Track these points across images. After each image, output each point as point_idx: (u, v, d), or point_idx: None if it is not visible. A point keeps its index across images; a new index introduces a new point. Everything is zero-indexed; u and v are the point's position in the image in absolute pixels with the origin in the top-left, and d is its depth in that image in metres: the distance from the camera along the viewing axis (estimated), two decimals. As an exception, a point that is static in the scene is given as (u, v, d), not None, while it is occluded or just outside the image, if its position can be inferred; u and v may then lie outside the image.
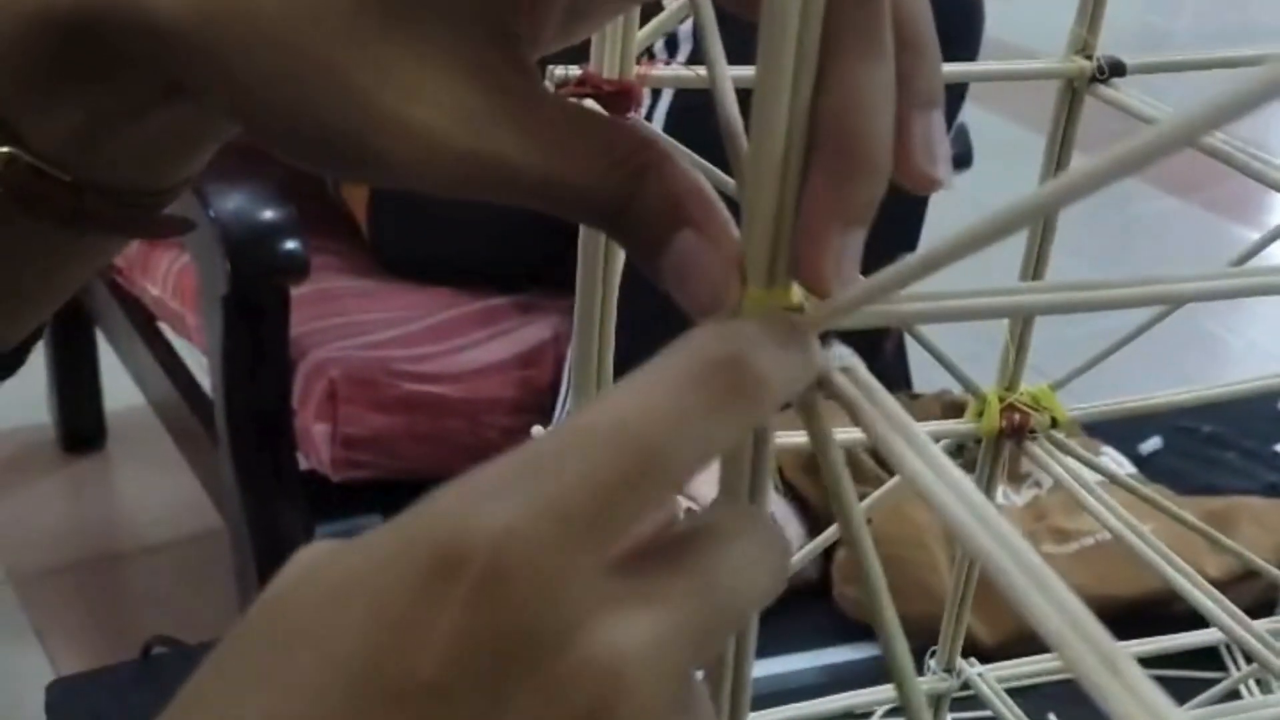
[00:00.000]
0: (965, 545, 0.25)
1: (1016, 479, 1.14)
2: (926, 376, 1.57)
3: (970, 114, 1.71)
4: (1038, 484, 1.15)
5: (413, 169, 0.35)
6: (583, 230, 0.46)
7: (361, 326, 1.60)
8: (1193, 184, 3.13)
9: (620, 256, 0.47)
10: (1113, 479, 0.63)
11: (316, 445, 1.52)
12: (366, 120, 0.34)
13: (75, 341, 2.15)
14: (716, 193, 0.35)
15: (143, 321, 1.86)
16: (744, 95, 0.34)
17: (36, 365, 2.18)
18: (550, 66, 0.43)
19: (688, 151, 0.44)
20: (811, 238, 0.31)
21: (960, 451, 1.03)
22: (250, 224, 1.42)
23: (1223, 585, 1.03)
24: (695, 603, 0.28)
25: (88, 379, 2.20)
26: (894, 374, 1.73)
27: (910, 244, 1.50)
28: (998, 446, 0.55)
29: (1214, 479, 1.25)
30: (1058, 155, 0.56)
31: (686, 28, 1.29)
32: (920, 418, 1.09)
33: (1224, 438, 1.32)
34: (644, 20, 0.45)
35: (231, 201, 1.43)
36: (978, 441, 0.57)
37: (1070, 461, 0.56)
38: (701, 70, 0.41)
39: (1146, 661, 0.84)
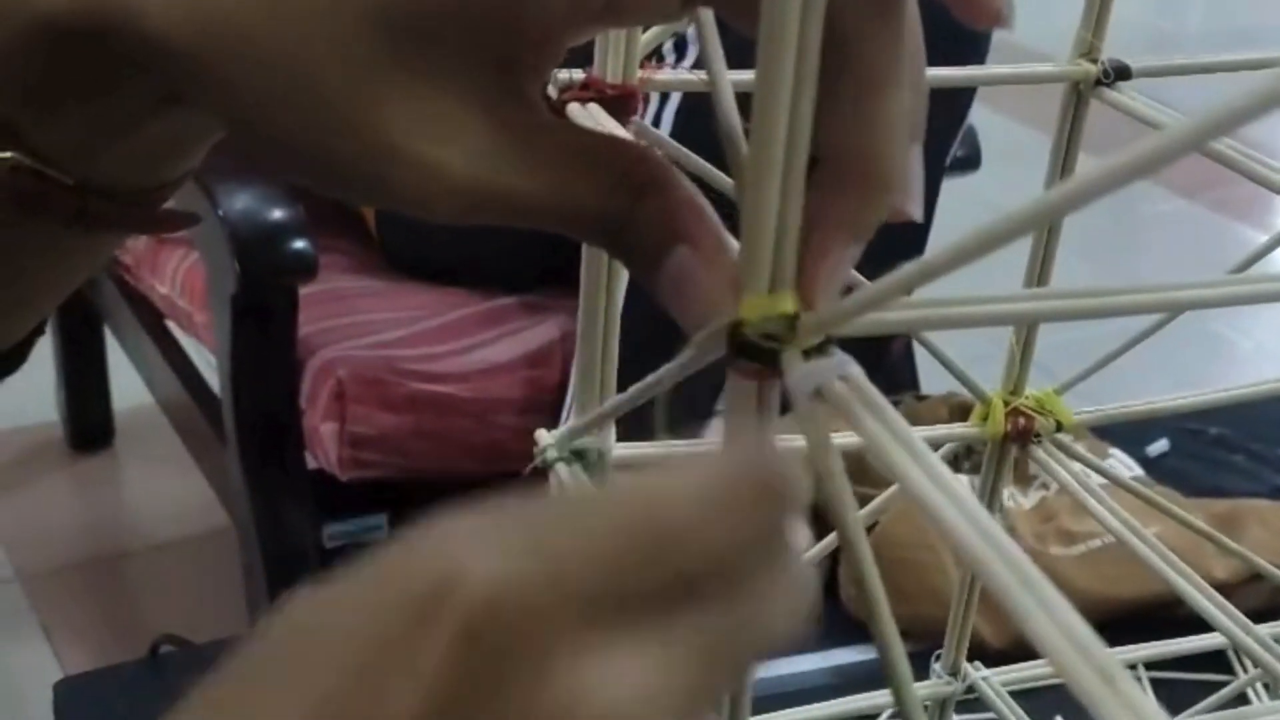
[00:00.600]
0: (962, 554, 0.25)
1: (1024, 480, 1.13)
2: (934, 378, 1.57)
3: (979, 115, 1.71)
4: (1045, 485, 1.15)
5: (415, 199, 0.34)
6: None
7: (369, 326, 1.60)
8: (1199, 185, 3.13)
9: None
10: (1117, 482, 0.63)
11: (324, 444, 1.52)
12: (366, 152, 0.34)
13: (84, 340, 2.16)
14: (708, 190, 0.36)
15: (151, 320, 1.86)
16: (746, 99, 0.34)
17: (45, 363, 2.19)
18: (554, 70, 0.43)
19: (690, 155, 0.44)
20: (821, 253, 0.31)
21: (969, 454, 1.03)
22: (259, 223, 1.43)
23: (1230, 588, 1.03)
24: (695, 650, 0.27)
25: (96, 377, 2.20)
26: (901, 376, 1.73)
27: (919, 246, 1.50)
28: (1003, 450, 0.55)
29: (1221, 481, 1.25)
30: (1063, 159, 0.56)
31: (689, 31, 1.29)
32: (927, 420, 1.09)
33: (1231, 440, 1.32)
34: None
35: (240, 201, 1.43)
36: (983, 445, 0.57)
37: (1075, 465, 0.56)
38: (704, 73, 0.41)
39: (1153, 665, 0.84)
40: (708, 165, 0.44)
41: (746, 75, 0.33)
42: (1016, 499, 1.13)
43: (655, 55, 0.47)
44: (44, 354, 2.17)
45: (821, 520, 0.96)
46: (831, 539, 0.62)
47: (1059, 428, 0.54)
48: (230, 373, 1.47)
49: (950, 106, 1.52)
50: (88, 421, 2.25)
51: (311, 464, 1.55)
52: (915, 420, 1.04)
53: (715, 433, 1.51)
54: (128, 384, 2.05)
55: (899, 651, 0.31)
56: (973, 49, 1.45)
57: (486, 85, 0.34)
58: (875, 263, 0.49)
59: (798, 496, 0.27)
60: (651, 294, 0.34)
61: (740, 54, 0.37)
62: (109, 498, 2.22)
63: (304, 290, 1.48)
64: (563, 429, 0.49)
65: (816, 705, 0.71)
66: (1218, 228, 3.14)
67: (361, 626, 0.26)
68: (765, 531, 0.28)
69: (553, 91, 0.43)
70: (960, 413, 1.21)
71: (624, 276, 0.47)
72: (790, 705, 0.71)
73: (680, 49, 1.35)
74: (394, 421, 1.53)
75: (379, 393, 1.52)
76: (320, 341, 1.55)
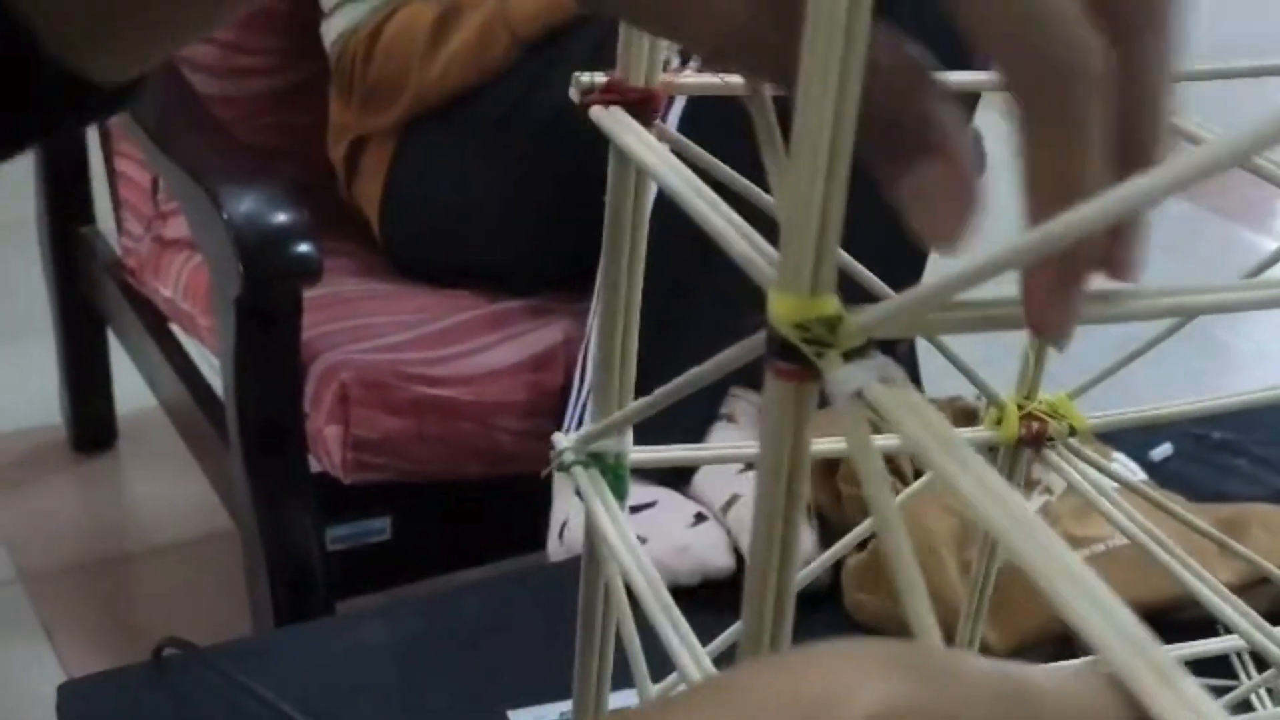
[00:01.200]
0: (1012, 556, 0.25)
1: (1029, 485, 1.14)
2: (937, 383, 1.57)
3: (984, 119, 1.71)
4: (1049, 490, 1.15)
5: (709, 40, 0.35)
6: (607, 230, 0.46)
7: (373, 329, 1.60)
8: (1203, 189, 3.13)
9: (641, 257, 0.47)
10: (1129, 487, 0.63)
11: (328, 447, 1.53)
12: None
13: (87, 342, 2.16)
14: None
15: (154, 323, 1.87)
16: (778, 101, 0.34)
17: (48, 366, 2.19)
18: (576, 74, 0.43)
19: (702, 152, 0.44)
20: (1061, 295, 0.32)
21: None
22: (263, 227, 1.43)
23: (1234, 592, 1.03)
24: None
25: (99, 379, 2.20)
26: (905, 380, 1.73)
27: (923, 250, 1.50)
28: (1016, 454, 0.55)
29: (1224, 485, 1.25)
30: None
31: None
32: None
33: (1235, 444, 1.32)
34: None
35: (244, 204, 1.43)
36: (992, 449, 0.57)
37: (1087, 469, 0.56)
38: (727, 76, 0.41)
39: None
40: (720, 165, 0.44)
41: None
42: (1021, 503, 1.13)
43: (679, 59, 0.47)
44: (47, 356, 2.18)
45: (826, 526, 0.96)
46: (839, 547, 0.62)
47: (1072, 432, 0.54)
48: (234, 376, 1.47)
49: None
50: (91, 424, 2.25)
51: (315, 467, 1.56)
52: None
53: (717, 437, 1.50)
54: (131, 386, 2.05)
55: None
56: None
57: None
58: (879, 265, 0.49)
59: None
60: (887, 196, 0.33)
61: None
62: (111, 500, 2.22)
63: (308, 293, 1.48)
64: (580, 432, 0.49)
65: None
66: (1221, 231, 3.15)
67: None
68: None
69: (574, 94, 0.43)
70: (965, 417, 1.21)
71: (641, 264, 0.47)
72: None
73: (685, 53, 1.35)
74: (397, 425, 1.53)
75: (382, 396, 1.52)
76: (324, 345, 1.56)
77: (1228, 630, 0.57)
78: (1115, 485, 0.60)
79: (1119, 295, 0.32)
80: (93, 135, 2.03)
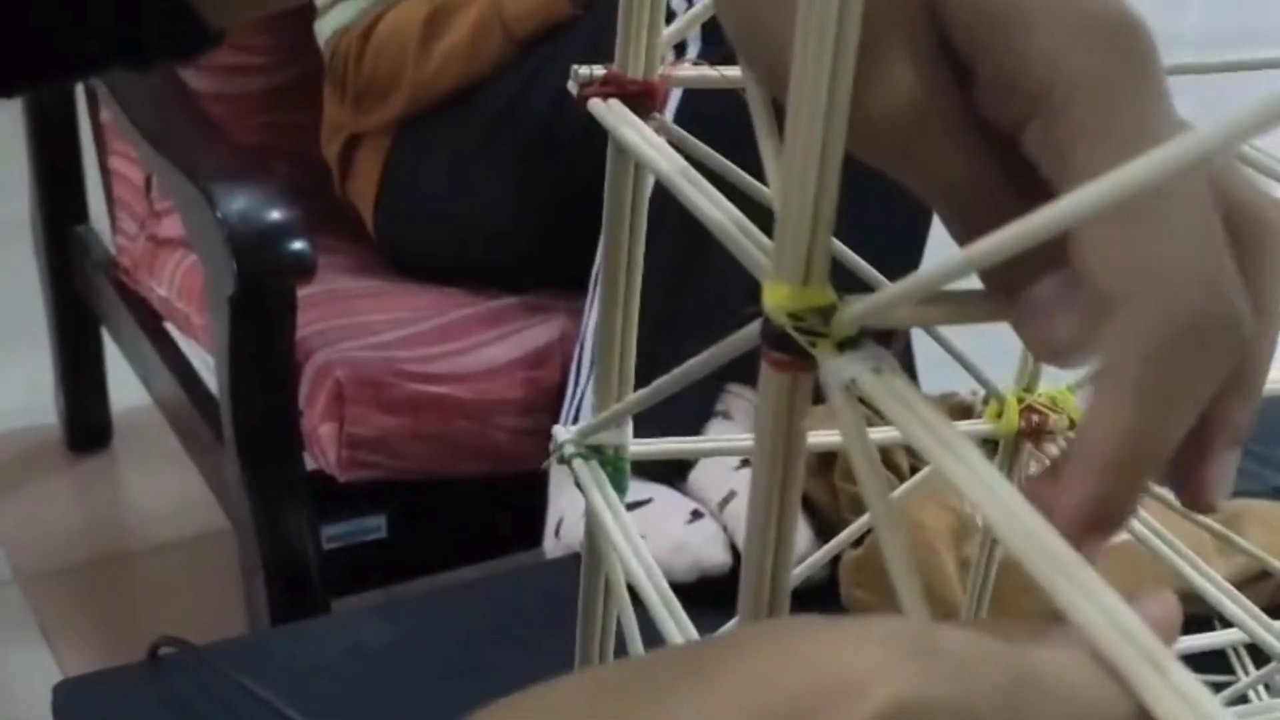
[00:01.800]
0: (1004, 545, 0.25)
1: (1028, 479, 1.13)
2: (932, 379, 1.57)
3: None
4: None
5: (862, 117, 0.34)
6: (605, 223, 0.46)
7: (368, 327, 1.60)
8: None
9: (641, 249, 0.47)
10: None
11: (323, 445, 1.52)
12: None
13: (82, 341, 2.16)
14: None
15: (149, 321, 1.86)
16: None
17: (43, 365, 2.19)
18: (574, 66, 0.43)
19: (700, 144, 0.44)
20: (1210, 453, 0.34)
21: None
22: (257, 224, 1.42)
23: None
24: None
25: (94, 379, 2.20)
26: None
27: (919, 245, 1.50)
28: (1016, 447, 0.55)
29: (1221, 481, 1.25)
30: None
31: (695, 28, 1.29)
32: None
33: (1232, 440, 1.32)
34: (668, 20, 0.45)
35: (238, 202, 1.43)
36: (992, 443, 0.57)
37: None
38: (725, 70, 0.41)
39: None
40: (717, 157, 0.44)
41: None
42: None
43: (676, 52, 0.47)
44: (42, 356, 2.17)
45: (823, 521, 0.96)
46: (836, 542, 0.62)
47: (1072, 425, 0.54)
48: (229, 374, 1.47)
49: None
50: (86, 423, 2.25)
51: (310, 465, 1.56)
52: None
53: (714, 434, 1.50)
54: (126, 386, 2.05)
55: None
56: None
57: (928, 43, 0.33)
58: (875, 259, 0.49)
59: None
60: (995, 303, 0.33)
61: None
62: (107, 499, 2.22)
63: (302, 291, 1.48)
64: (581, 424, 0.49)
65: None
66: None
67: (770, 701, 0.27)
68: None
69: (573, 87, 0.43)
70: (960, 413, 1.21)
71: (640, 260, 0.47)
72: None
73: (680, 49, 1.35)
74: (393, 423, 1.53)
75: (377, 394, 1.52)
76: (319, 342, 1.55)
77: (1224, 625, 0.57)
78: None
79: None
80: (86, 134, 2.03)
